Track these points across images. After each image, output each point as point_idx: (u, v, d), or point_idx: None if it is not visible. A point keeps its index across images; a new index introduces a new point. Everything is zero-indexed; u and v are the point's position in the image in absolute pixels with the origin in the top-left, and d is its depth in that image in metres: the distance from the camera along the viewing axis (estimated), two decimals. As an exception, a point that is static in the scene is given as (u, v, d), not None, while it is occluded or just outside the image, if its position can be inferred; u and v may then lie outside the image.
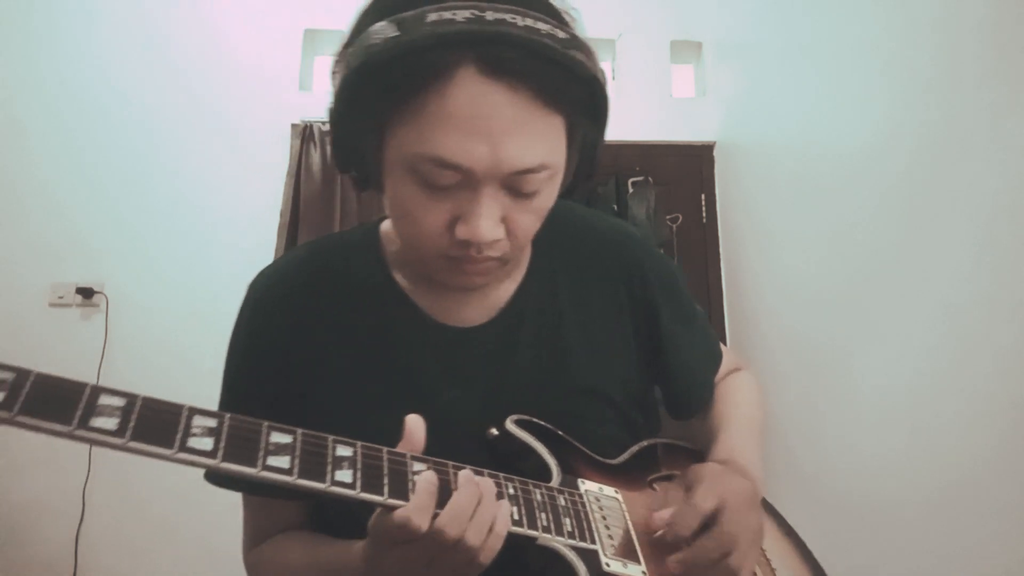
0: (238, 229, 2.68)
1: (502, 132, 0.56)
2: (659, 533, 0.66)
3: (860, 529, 1.79)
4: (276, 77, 2.81)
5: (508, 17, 0.55)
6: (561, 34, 0.57)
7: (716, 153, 2.91)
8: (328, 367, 0.72)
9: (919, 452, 1.62)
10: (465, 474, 0.56)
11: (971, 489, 1.45)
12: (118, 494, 2.47)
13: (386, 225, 0.79)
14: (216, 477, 0.73)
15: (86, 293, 2.56)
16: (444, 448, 0.58)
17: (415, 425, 0.57)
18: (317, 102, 2.78)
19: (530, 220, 0.64)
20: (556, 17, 0.59)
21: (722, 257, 2.82)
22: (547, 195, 0.64)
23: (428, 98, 0.56)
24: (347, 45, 0.60)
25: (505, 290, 0.76)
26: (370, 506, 0.55)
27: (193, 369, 2.57)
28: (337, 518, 0.73)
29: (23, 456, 2.48)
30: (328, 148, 2.64)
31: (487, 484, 0.57)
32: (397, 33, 0.55)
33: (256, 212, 2.68)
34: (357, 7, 0.62)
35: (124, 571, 2.45)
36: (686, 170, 2.89)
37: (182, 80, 2.78)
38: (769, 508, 0.86)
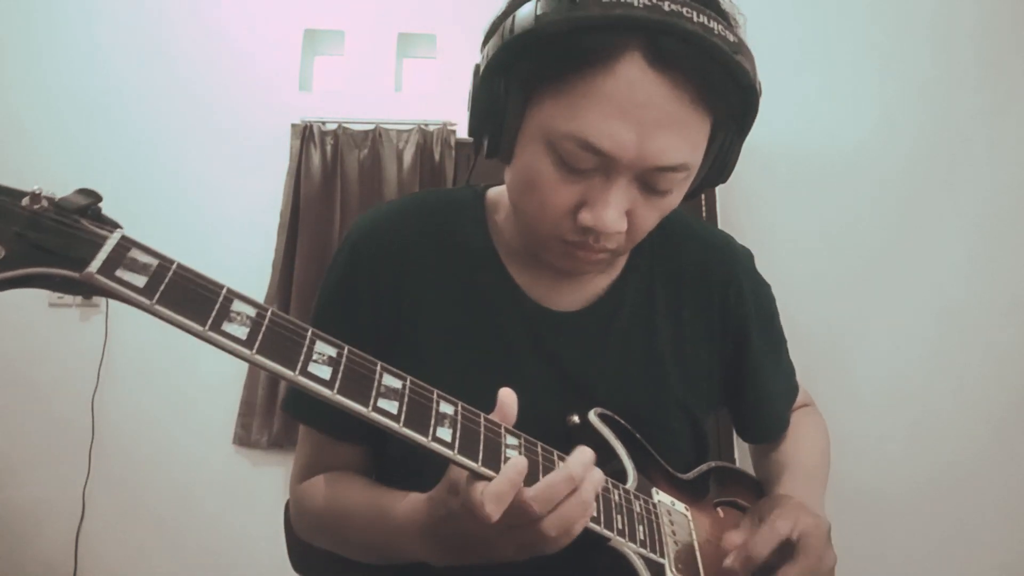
0: (238, 229, 2.68)
1: (654, 125, 0.55)
2: (730, 558, 0.63)
3: (858, 520, 1.80)
4: (276, 77, 2.81)
5: (685, 11, 0.54)
6: (731, 37, 0.56)
7: (716, 153, 2.90)
8: (419, 320, 0.71)
9: (916, 445, 1.63)
10: (579, 453, 0.54)
11: (968, 480, 1.46)
12: (118, 494, 2.46)
13: (493, 192, 0.78)
14: (297, 408, 0.74)
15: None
16: (521, 425, 0.57)
17: (508, 399, 0.56)
18: (317, 102, 2.78)
19: (653, 217, 0.63)
20: (727, 19, 0.58)
21: (722, 257, 2.81)
22: (677, 195, 0.63)
23: (588, 77, 0.54)
24: (513, 7, 0.58)
25: (600, 282, 0.75)
26: (442, 467, 0.54)
27: (193, 369, 2.57)
28: (400, 477, 0.71)
29: (23, 456, 2.48)
30: (328, 148, 2.66)
31: (597, 475, 0.54)
32: (571, 6, 0.53)
33: (256, 212, 2.68)
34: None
35: (124, 571, 2.45)
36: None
37: (182, 80, 2.78)
38: None
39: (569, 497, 0.53)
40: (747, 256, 0.85)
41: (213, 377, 2.48)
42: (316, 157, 2.66)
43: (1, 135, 2.69)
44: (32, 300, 2.56)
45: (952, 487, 1.54)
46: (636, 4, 0.53)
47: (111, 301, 2.22)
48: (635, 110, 0.55)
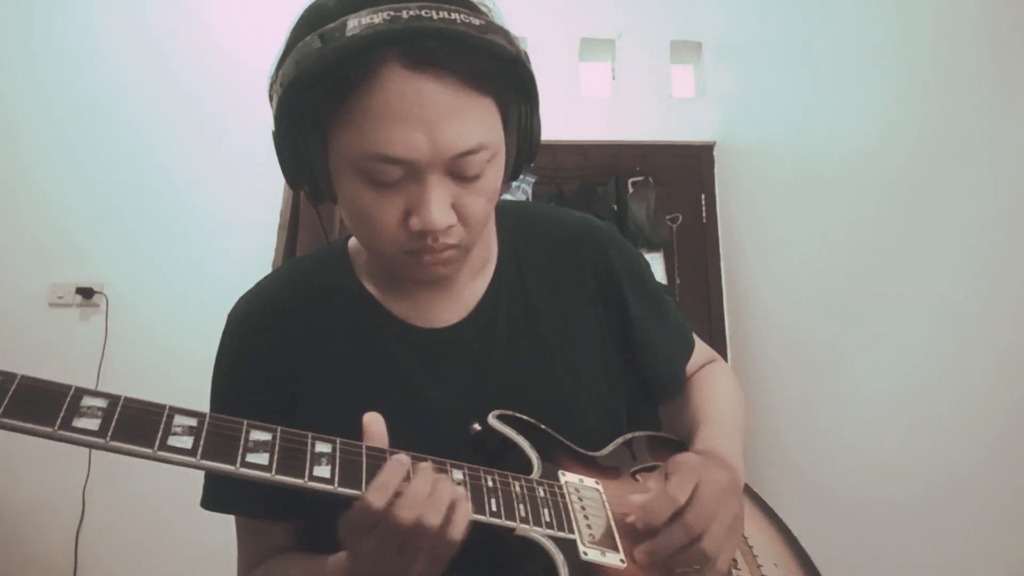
0: (237, 229, 2.68)
1: (436, 119, 0.58)
2: (630, 518, 0.66)
3: (856, 528, 1.80)
4: (276, 77, 2.81)
5: (423, 12, 0.57)
6: (476, 21, 0.59)
7: (716, 153, 2.91)
8: (312, 380, 0.73)
9: (915, 451, 1.63)
10: (424, 464, 0.58)
11: (967, 488, 1.46)
12: (118, 494, 2.46)
13: (353, 240, 0.81)
14: (215, 503, 0.75)
15: (86, 293, 2.56)
16: (432, 446, 0.60)
17: (374, 423, 0.59)
18: (317, 102, 2.78)
19: (480, 203, 0.65)
20: (469, 7, 0.61)
21: (722, 257, 2.82)
22: (492, 177, 0.65)
23: (361, 99, 0.58)
24: (279, 66, 0.64)
25: (475, 289, 0.78)
26: None
27: (193, 369, 2.56)
28: (328, 538, 0.73)
29: (23, 457, 2.48)
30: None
31: (422, 464, 0.58)
32: (321, 44, 0.58)
33: (255, 212, 2.68)
34: (285, 30, 0.66)
35: (124, 571, 2.45)
36: (686, 170, 2.89)
37: (181, 80, 2.78)
38: (752, 495, 0.87)
39: (432, 491, 0.55)
40: (610, 228, 0.88)
41: (211, 376, 2.47)
42: (316, 157, 2.66)
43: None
44: (32, 300, 2.56)
45: (954, 491, 1.54)
46: (376, 21, 0.57)
47: (111, 301, 2.21)
48: (412, 111, 0.58)
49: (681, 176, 2.88)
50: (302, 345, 0.74)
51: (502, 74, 0.62)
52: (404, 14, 0.57)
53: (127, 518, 2.47)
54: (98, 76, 2.75)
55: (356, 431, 0.58)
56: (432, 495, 0.55)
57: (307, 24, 0.62)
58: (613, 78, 2.98)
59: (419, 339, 0.75)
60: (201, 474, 0.74)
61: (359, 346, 0.74)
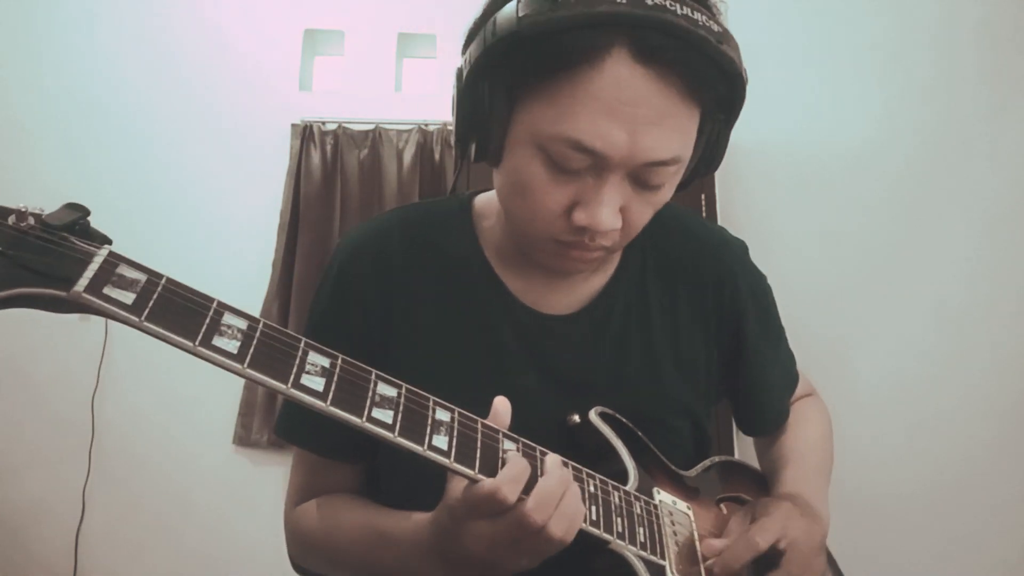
0: (238, 229, 2.68)
1: (645, 121, 0.55)
2: (709, 563, 0.64)
3: (858, 522, 1.80)
4: (276, 77, 2.81)
5: (668, 3, 0.53)
6: (716, 27, 0.55)
7: (716, 153, 2.90)
8: (411, 334, 0.71)
9: (916, 447, 1.63)
10: (553, 459, 0.55)
11: (967, 483, 1.46)
12: (118, 494, 2.46)
13: (480, 200, 0.77)
14: (289, 432, 0.73)
15: (86, 293, 2.56)
16: (517, 430, 0.57)
17: (502, 407, 0.56)
18: (317, 102, 2.78)
19: (646, 213, 0.62)
20: (710, 8, 0.57)
21: (722, 257, 2.81)
22: (668, 189, 0.62)
23: (575, 77, 0.54)
24: (493, 9, 0.57)
25: (594, 283, 0.75)
26: (440, 477, 0.54)
27: (193, 369, 2.56)
28: (393, 491, 0.71)
29: (23, 457, 2.48)
30: (328, 148, 2.66)
31: (568, 476, 0.55)
32: (552, 5, 0.52)
33: (256, 212, 2.68)
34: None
35: (124, 571, 2.45)
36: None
37: (182, 80, 2.78)
38: (830, 558, 0.83)
39: (565, 495, 0.53)
40: (741, 248, 0.84)
41: (213, 377, 2.46)
42: (316, 157, 2.66)
43: (1, 136, 2.69)
44: (32, 300, 2.56)
45: (955, 488, 1.54)
46: (619, 0, 0.52)
47: (111, 301, 2.16)
48: (624, 108, 0.54)
49: (681, 176, 2.88)
50: (405, 300, 0.71)
51: (720, 89, 0.58)
52: (648, 0, 0.52)
53: (127, 518, 2.47)
54: (100, 75, 2.75)
55: (444, 396, 0.54)
56: (562, 504, 0.53)
57: None
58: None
59: (528, 320, 0.71)
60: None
61: (464, 312, 0.71)
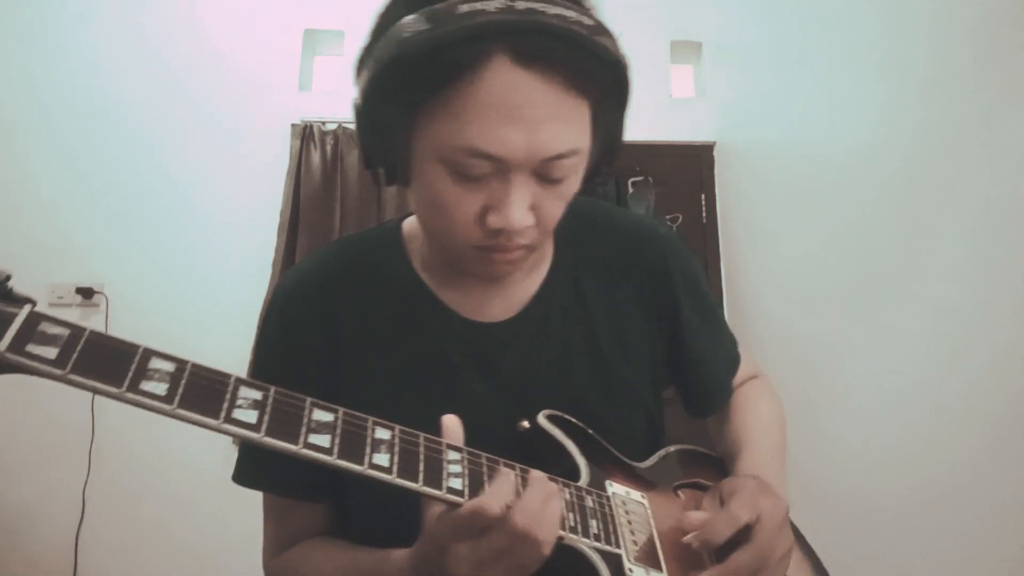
0: (238, 229, 2.68)
1: (537, 120, 0.57)
2: (688, 537, 0.64)
3: (855, 524, 1.80)
4: (276, 77, 2.81)
5: (538, 6, 0.55)
6: (588, 20, 0.58)
7: (716, 153, 2.91)
8: (357, 360, 0.72)
9: (913, 449, 1.63)
10: (537, 474, 0.57)
11: (964, 485, 1.46)
12: (118, 494, 2.46)
13: (408, 223, 0.79)
14: (247, 477, 0.74)
15: (86, 293, 2.56)
16: (474, 440, 0.58)
17: (452, 423, 0.57)
18: (317, 102, 2.78)
19: (557, 206, 0.64)
20: (580, 6, 0.59)
21: (722, 257, 2.82)
22: (573, 181, 0.64)
23: (462, 89, 0.56)
24: (375, 39, 0.60)
25: (528, 286, 0.76)
26: (404, 511, 0.55)
27: (193, 369, 2.56)
28: (364, 526, 0.72)
29: (23, 457, 2.48)
30: (328, 148, 2.66)
31: (552, 485, 0.57)
32: (429, 26, 0.55)
33: (256, 212, 2.68)
34: (381, 2, 0.63)
35: (124, 571, 2.45)
36: (686, 170, 2.89)
37: (181, 80, 2.78)
38: (795, 530, 0.84)
39: (524, 493, 0.55)
40: (669, 234, 0.87)
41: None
42: (316, 157, 2.66)
43: None
44: (32, 300, 2.56)
45: (951, 488, 1.55)
46: (490, 9, 0.54)
47: (111, 301, 2.23)
48: (515, 110, 0.56)
49: (681, 176, 2.88)
50: (349, 325, 0.73)
51: (604, 79, 0.61)
52: (519, 4, 0.55)
53: (127, 518, 2.47)
54: (98, 77, 2.75)
55: (399, 417, 0.56)
56: (547, 512, 0.54)
57: (408, 0, 0.58)
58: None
59: (469, 331, 0.73)
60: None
61: (407, 332, 0.73)
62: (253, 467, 0.74)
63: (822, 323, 2.10)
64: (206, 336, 2.41)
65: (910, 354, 1.71)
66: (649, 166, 2.82)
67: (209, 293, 2.56)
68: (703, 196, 2.90)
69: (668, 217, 2.80)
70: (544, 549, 0.54)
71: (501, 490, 0.53)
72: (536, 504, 0.54)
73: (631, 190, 2.80)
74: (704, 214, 2.87)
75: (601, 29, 0.59)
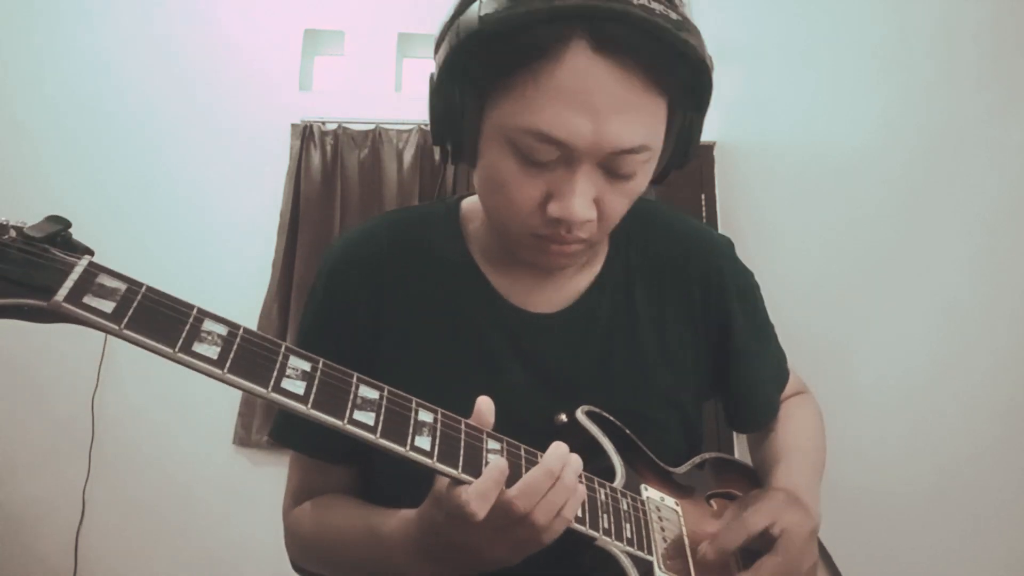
0: (238, 229, 2.68)
1: (608, 110, 0.56)
2: (703, 546, 0.64)
3: (859, 523, 1.80)
4: (276, 77, 2.82)
5: None
6: (674, 15, 0.56)
7: (716, 153, 2.91)
8: (401, 334, 0.72)
9: (918, 447, 1.63)
10: (556, 449, 0.55)
11: (969, 483, 1.46)
12: (118, 494, 2.46)
13: (467, 203, 0.78)
14: (283, 437, 0.74)
15: (86, 293, 2.56)
16: (508, 429, 0.58)
17: (485, 406, 0.57)
18: (317, 102, 2.78)
19: (622, 203, 0.63)
20: None
21: (722, 257, 2.82)
22: (641, 178, 0.63)
23: (538, 71, 0.55)
24: (458, 12, 0.59)
25: (580, 281, 0.76)
26: (426, 482, 0.54)
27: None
28: (383, 487, 0.72)
29: (23, 457, 2.48)
30: (328, 148, 2.66)
31: (574, 460, 0.55)
32: (511, 3, 0.54)
33: (256, 212, 2.68)
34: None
35: (124, 571, 2.45)
36: (686, 170, 2.88)
37: (182, 80, 2.78)
38: (821, 548, 0.83)
39: (553, 487, 0.54)
40: (727, 244, 0.85)
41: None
42: (316, 157, 2.66)
43: (1, 137, 2.69)
44: (32, 300, 2.56)
45: (957, 487, 1.54)
46: None
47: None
48: (586, 97, 0.55)
49: (681, 176, 2.87)
50: (394, 299, 0.72)
51: (684, 77, 0.59)
52: None
53: (127, 518, 2.47)
54: (100, 75, 2.75)
55: (435, 398, 0.55)
56: (548, 495, 0.54)
57: None
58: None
59: (515, 319, 0.72)
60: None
61: (452, 312, 0.72)
62: (289, 427, 0.74)
63: (825, 322, 2.10)
64: (206, 336, 2.41)
65: (915, 353, 1.70)
66: (649, 166, 2.82)
67: (210, 293, 2.55)
68: (703, 196, 2.90)
69: (668, 217, 2.80)
70: (545, 538, 0.54)
71: (534, 489, 0.52)
72: (536, 486, 0.53)
73: (631, 190, 2.80)
74: (704, 214, 2.88)
75: (687, 25, 0.57)
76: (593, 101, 0.55)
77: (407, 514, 0.60)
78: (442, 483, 0.54)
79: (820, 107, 2.16)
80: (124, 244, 2.66)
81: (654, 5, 0.55)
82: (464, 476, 0.51)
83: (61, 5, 2.78)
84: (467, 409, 0.56)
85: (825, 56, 2.14)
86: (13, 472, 2.47)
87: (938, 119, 1.60)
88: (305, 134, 2.68)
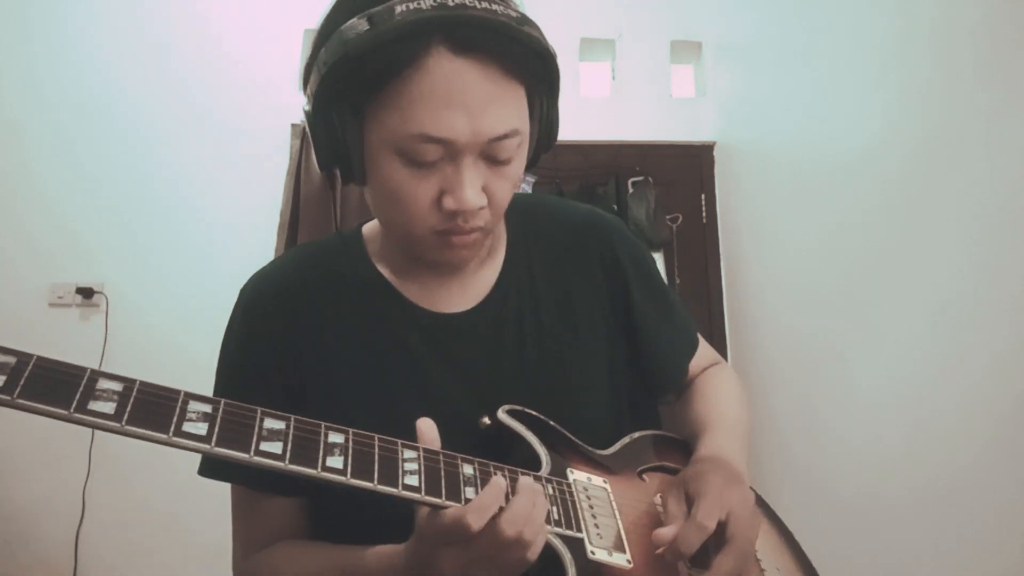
0: (238, 229, 2.68)
1: (478, 103, 0.62)
2: (660, 551, 0.65)
3: (856, 526, 1.80)
4: (276, 77, 2.81)
5: (467, 1, 0.61)
6: (514, 13, 0.63)
7: (716, 153, 2.91)
8: (324, 360, 0.74)
9: (915, 449, 1.63)
10: (527, 482, 0.59)
11: (966, 486, 1.46)
12: (118, 494, 2.46)
13: (367, 228, 0.83)
14: (213, 470, 0.75)
15: (86, 293, 2.56)
16: (438, 431, 0.61)
17: (427, 428, 0.60)
18: (317, 102, 2.77)
19: (506, 187, 0.68)
20: (505, 1, 0.65)
21: (722, 257, 2.82)
22: (519, 162, 0.69)
23: (407, 82, 0.61)
24: (319, 46, 0.66)
25: (485, 277, 0.79)
26: (378, 505, 0.56)
27: (193, 369, 2.55)
28: (331, 518, 0.72)
29: (23, 456, 2.48)
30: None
31: (539, 490, 0.59)
32: (369, 27, 0.60)
33: (256, 212, 2.68)
34: (324, 8, 0.68)
35: (124, 571, 2.45)
36: (686, 170, 2.89)
37: (181, 80, 2.78)
38: (758, 498, 0.86)
39: (535, 504, 0.57)
40: (617, 222, 0.90)
41: (212, 377, 2.48)
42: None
43: (0, 136, 2.69)
44: (32, 300, 2.56)
45: (953, 488, 1.54)
46: (425, 7, 0.60)
47: (111, 301, 2.21)
48: (457, 96, 0.61)
49: (681, 176, 2.88)
50: (311, 328, 0.75)
51: (534, 66, 0.66)
52: (450, 1, 0.60)
53: (127, 518, 2.47)
54: (99, 75, 2.75)
55: (367, 413, 0.58)
56: (534, 514, 0.57)
57: (349, 6, 0.64)
58: (613, 78, 2.98)
59: (430, 323, 0.76)
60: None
61: (369, 328, 0.75)
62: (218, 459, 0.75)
63: (823, 322, 2.10)
64: (206, 336, 2.40)
65: (912, 354, 1.70)
66: (649, 166, 2.82)
67: (209, 293, 2.55)
68: (703, 196, 2.90)
69: (668, 217, 2.80)
70: (531, 554, 0.57)
71: (485, 504, 0.55)
72: (524, 512, 0.56)
73: (631, 190, 2.80)
74: (704, 214, 2.88)
75: (526, 20, 0.64)
76: (464, 98, 0.61)
77: (389, 550, 0.62)
78: (423, 514, 0.56)
79: (819, 107, 2.16)
80: (124, 244, 2.66)
81: (495, 7, 0.62)
82: (380, 488, 0.54)
83: (60, 6, 2.77)
84: (405, 422, 0.60)
85: (824, 56, 2.14)
86: (14, 472, 2.47)
87: (936, 119, 1.60)
88: (305, 134, 2.68)
